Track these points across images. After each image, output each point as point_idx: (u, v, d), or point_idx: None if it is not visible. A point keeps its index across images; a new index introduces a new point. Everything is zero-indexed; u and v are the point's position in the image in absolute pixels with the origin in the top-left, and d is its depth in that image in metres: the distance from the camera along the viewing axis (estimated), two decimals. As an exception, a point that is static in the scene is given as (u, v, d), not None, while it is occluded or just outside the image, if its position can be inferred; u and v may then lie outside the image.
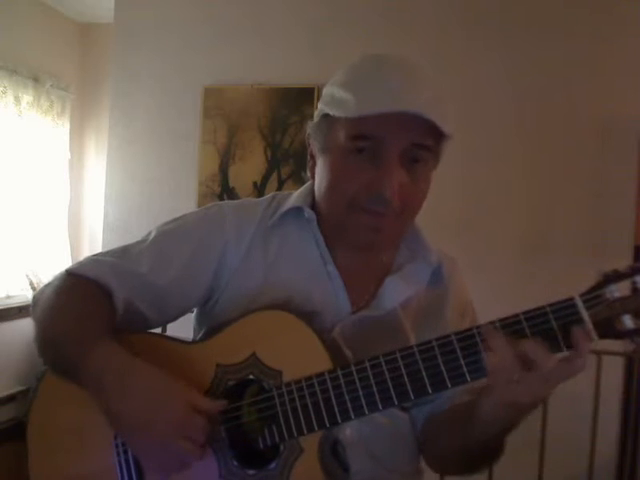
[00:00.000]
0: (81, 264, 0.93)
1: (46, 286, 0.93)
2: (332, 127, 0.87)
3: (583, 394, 2.02)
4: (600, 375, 1.91)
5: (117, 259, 0.92)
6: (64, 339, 0.84)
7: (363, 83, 0.84)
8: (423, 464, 1.01)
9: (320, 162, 0.92)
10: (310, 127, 0.93)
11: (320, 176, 0.91)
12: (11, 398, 3.21)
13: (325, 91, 0.91)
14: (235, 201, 1.03)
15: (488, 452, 0.85)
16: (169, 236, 0.95)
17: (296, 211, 0.95)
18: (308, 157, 0.96)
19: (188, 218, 0.99)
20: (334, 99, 0.86)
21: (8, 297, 3.31)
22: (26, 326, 3.34)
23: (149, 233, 0.97)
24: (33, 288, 3.29)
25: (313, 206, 0.96)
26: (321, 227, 0.95)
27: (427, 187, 0.89)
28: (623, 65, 2.40)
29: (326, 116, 0.88)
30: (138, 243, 0.96)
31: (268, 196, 1.02)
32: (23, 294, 3.32)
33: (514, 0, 2.54)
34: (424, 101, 0.80)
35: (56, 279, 0.92)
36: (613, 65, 2.41)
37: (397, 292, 0.93)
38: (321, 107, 0.90)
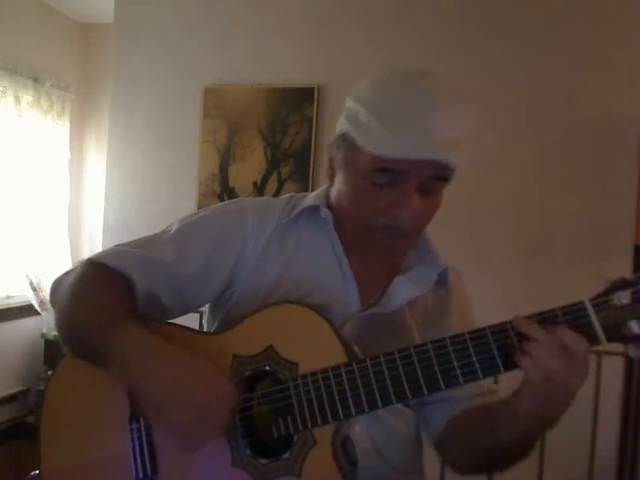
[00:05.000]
0: (105, 253, 0.94)
1: (67, 273, 0.95)
2: (354, 149, 0.88)
3: (583, 394, 2.01)
4: (600, 375, 1.91)
5: (141, 249, 0.94)
6: (88, 322, 0.85)
7: (390, 118, 0.83)
8: (424, 462, 1.02)
9: (340, 176, 0.93)
10: (334, 138, 0.94)
11: (340, 189, 0.94)
12: (11, 398, 3.20)
13: (350, 104, 0.90)
14: (256, 198, 1.06)
15: (523, 448, 0.86)
16: (191, 229, 0.98)
17: (312, 210, 0.98)
18: (328, 163, 0.97)
19: (210, 213, 1.01)
20: (359, 122, 0.86)
21: (8, 297, 3.31)
22: (26, 326, 3.34)
23: (170, 225, 0.99)
24: (33, 288, 3.29)
25: (329, 207, 0.98)
26: (336, 228, 0.96)
27: (439, 206, 0.91)
28: (623, 65, 2.40)
29: (349, 135, 0.88)
30: (161, 234, 0.98)
31: (286, 196, 1.05)
32: (23, 294, 3.31)
33: (514, 1, 2.54)
34: (447, 143, 0.81)
35: (78, 266, 0.93)
36: (613, 65, 2.41)
37: (405, 291, 0.96)
38: (345, 125, 0.89)
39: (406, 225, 0.86)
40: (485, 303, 1.05)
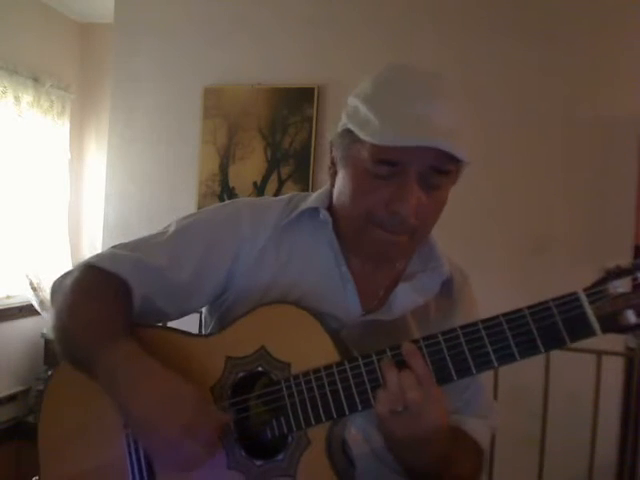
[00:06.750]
0: (102, 257, 0.94)
1: (65, 276, 0.95)
2: (354, 144, 0.87)
3: (583, 394, 2.01)
4: (600, 375, 1.91)
5: (137, 253, 0.93)
6: (81, 334, 0.85)
7: (388, 108, 0.84)
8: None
9: (341, 172, 0.93)
10: (333, 135, 0.94)
11: (340, 186, 0.93)
12: (11, 398, 3.21)
13: (350, 101, 0.91)
14: (254, 199, 1.04)
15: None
16: (186, 231, 0.97)
17: (312, 212, 0.97)
18: (329, 163, 0.97)
19: (206, 215, 1.00)
20: (358, 116, 0.86)
21: (8, 297, 3.31)
22: (26, 326, 3.35)
23: (169, 225, 0.99)
24: (33, 288, 3.29)
25: (329, 209, 0.97)
26: (336, 230, 0.95)
27: (444, 205, 0.90)
28: (623, 65, 2.40)
29: (349, 131, 0.88)
30: (158, 235, 0.97)
31: (287, 196, 1.04)
32: (23, 294, 3.32)
33: (514, 1, 2.54)
34: (445, 131, 0.81)
35: (76, 269, 0.93)
36: (613, 65, 2.41)
37: (408, 300, 0.95)
38: (345, 119, 0.90)
39: (408, 219, 0.85)
40: (484, 303, 1.05)
